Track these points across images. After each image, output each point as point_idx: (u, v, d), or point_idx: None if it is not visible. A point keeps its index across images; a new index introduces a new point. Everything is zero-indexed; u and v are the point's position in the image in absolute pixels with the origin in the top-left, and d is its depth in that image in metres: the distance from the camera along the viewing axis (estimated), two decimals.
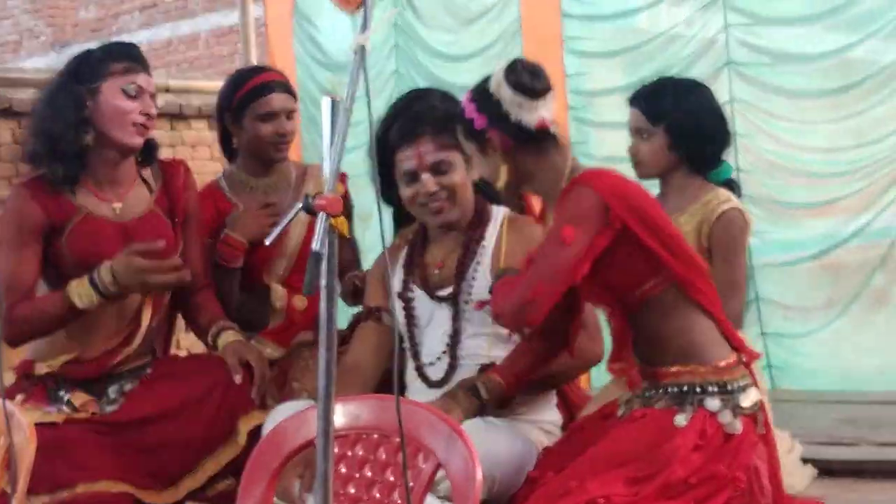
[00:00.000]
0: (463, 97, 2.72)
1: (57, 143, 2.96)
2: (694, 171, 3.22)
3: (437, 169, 2.87)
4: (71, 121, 2.95)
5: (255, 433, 2.90)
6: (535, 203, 2.96)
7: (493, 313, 2.70)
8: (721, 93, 5.60)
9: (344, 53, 6.92)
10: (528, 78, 2.62)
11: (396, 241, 3.14)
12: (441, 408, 2.68)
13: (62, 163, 2.97)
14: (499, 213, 3.02)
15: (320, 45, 7.25)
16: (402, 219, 3.18)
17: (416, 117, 2.89)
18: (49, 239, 2.97)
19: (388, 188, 3.04)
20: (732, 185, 3.29)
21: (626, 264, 2.55)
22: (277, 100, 3.39)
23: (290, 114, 3.42)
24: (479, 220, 2.97)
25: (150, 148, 3.14)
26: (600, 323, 2.91)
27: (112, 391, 3.04)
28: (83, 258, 2.96)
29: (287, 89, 3.45)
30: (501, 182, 2.69)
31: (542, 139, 2.64)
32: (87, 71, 2.98)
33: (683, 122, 3.15)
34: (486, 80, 2.66)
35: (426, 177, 2.87)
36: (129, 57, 3.02)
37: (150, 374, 3.10)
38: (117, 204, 3.05)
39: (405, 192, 2.92)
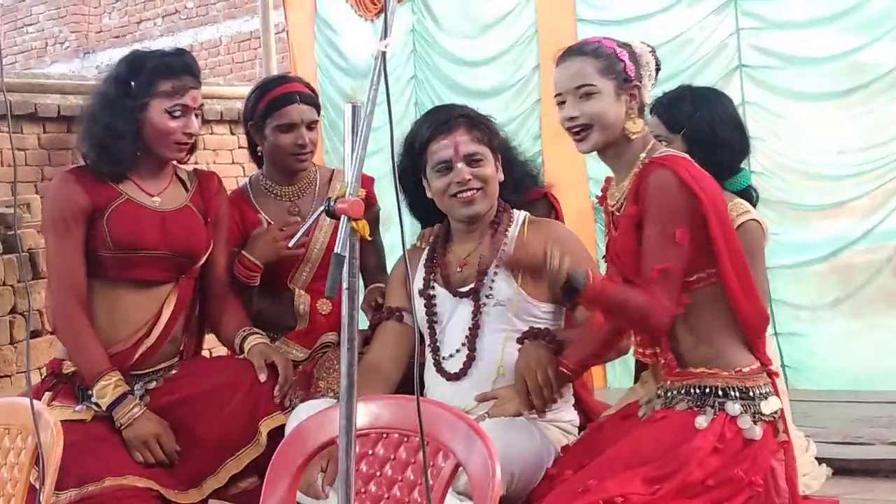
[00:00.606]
0: (607, 41, 2.75)
1: (111, 151, 3.05)
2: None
3: (471, 159, 2.94)
4: (125, 134, 3.04)
5: (276, 433, 2.94)
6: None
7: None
8: (733, 96, 5.57)
9: (364, 59, 6.94)
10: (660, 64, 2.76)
11: (416, 243, 3.19)
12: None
13: (113, 165, 3.07)
14: (519, 215, 3.06)
15: (341, 51, 7.28)
16: (423, 226, 3.23)
17: (451, 112, 2.99)
18: (91, 222, 3.04)
19: (412, 197, 3.10)
20: (750, 193, 3.28)
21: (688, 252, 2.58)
22: (297, 111, 3.40)
23: (310, 124, 3.43)
24: (502, 221, 3.02)
25: (194, 145, 3.21)
26: None
27: (137, 388, 3.09)
28: (123, 241, 3.03)
29: (309, 100, 3.46)
30: (636, 133, 2.68)
31: (642, 115, 2.73)
32: (137, 85, 3.05)
33: (700, 129, 3.17)
34: (633, 45, 2.74)
35: (460, 166, 2.93)
36: (176, 74, 3.07)
37: (176, 374, 3.15)
38: (157, 198, 3.14)
39: (437, 183, 2.97)
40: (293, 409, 3.02)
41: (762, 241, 3.16)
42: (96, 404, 3.02)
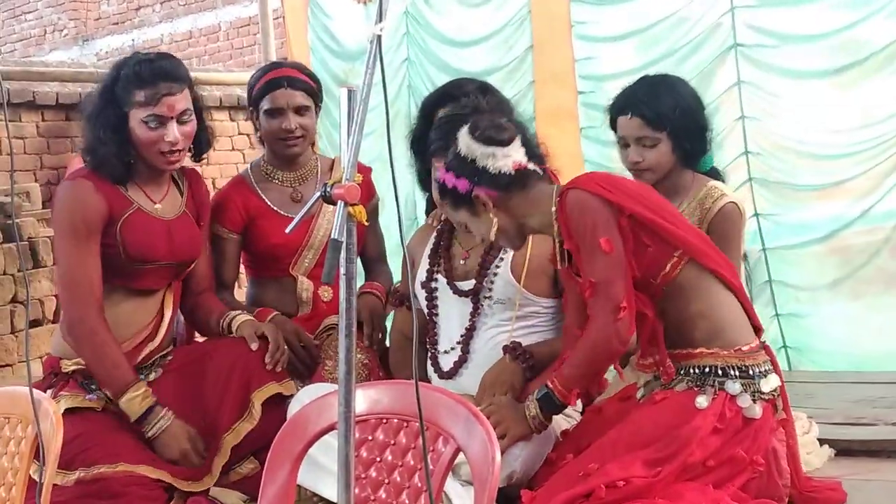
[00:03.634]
0: (439, 174, 2.78)
1: (102, 159, 3.01)
2: (685, 166, 3.20)
3: None
4: (111, 143, 2.99)
5: (273, 406, 2.99)
6: None
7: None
8: (728, 75, 5.62)
9: (357, 42, 6.91)
10: (492, 130, 2.70)
11: (428, 222, 3.20)
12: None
13: (108, 171, 3.02)
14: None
15: (333, 35, 7.25)
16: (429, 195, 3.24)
17: (455, 129, 2.86)
18: (104, 230, 3.00)
19: (426, 174, 3.11)
20: (717, 173, 3.28)
21: (642, 252, 2.59)
22: (283, 95, 3.41)
23: (300, 109, 3.43)
24: None
25: (200, 142, 3.17)
26: None
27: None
28: (136, 253, 3.01)
29: (299, 85, 3.45)
30: (493, 235, 2.73)
31: (524, 179, 2.70)
32: (118, 94, 3.00)
33: (685, 121, 3.13)
34: (457, 148, 2.72)
35: None
36: (149, 82, 2.98)
37: (172, 361, 3.15)
38: (158, 205, 3.11)
39: (437, 194, 2.98)
40: (293, 382, 3.08)
41: (740, 225, 3.14)
42: (105, 394, 3.02)
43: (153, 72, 2.99)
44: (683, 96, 3.19)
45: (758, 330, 2.71)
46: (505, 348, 2.90)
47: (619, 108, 3.21)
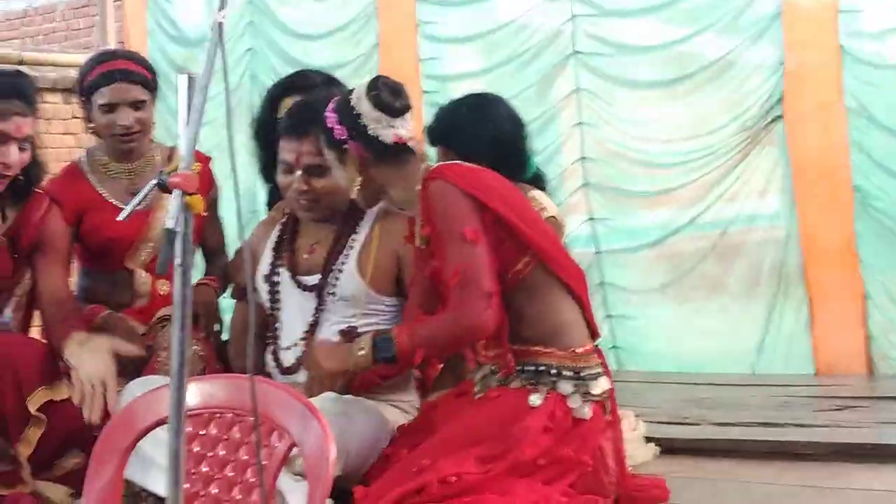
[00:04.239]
0: (328, 107, 2.73)
1: None
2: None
3: (312, 171, 2.89)
4: None
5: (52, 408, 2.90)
6: None
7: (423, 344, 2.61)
8: (566, 82, 5.76)
9: (197, 29, 6.82)
10: (388, 96, 2.68)
11: (273, 215, 3.15)
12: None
13: None
14: (373, 210, 3.00)
15: (173, 20, 7.13)
16: (278, 194, 3.17)
17: (308, 113, 2.84)
18: None
19: (269, 164, 3.06)
20: (540, 179, 3.31)
21: (498, 247, 2.61)
22: (119, 91, 3.28)
23: (136, 104, 3.31)
24: (354, 214, 2.98)
25: (29, 179, 3.06)
26: None
27: None
28: None
29: (133, 78, 3.32)
30: (355, 192, 2.72)
31: (398, 153, 2.69)
32: None
33: (505, 149, 3.11)
34: (350, 92, 2.70)
35: (299, 174, 2.88)
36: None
37: None
38: None
39: (280, 178, 2.95)
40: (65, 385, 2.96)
41: (560, 235, 3.15)
42: None
43: (6, 88, 2.92)
44: (500, 124, 3.18)
45: (594, 335, 2.76)
46: (341, 332, 2.88)
47: (436, 137, 3.19)
